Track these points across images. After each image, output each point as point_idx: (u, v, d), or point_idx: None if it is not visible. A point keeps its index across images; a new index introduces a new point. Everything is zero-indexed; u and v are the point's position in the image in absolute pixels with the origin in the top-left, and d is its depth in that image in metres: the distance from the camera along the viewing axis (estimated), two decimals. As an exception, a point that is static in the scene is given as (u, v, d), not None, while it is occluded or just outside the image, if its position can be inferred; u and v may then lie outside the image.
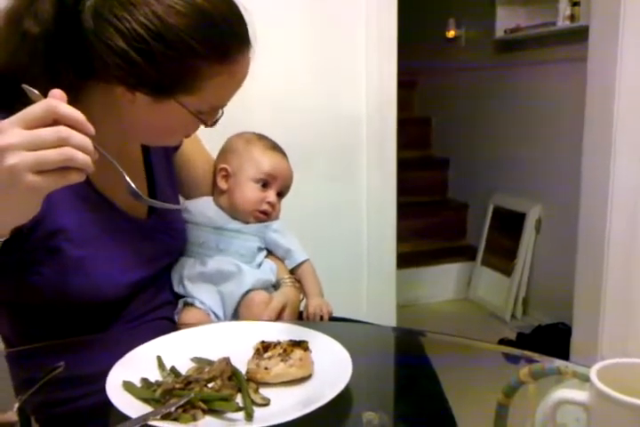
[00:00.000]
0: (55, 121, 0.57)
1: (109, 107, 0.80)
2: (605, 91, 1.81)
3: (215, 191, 1.06)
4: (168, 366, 0.71)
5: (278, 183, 1.04)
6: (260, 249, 1.03)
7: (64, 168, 0.57)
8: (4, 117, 0.58)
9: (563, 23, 2.47)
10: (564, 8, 2.46)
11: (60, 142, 0.56)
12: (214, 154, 1.10)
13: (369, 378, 0.75)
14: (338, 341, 0.75)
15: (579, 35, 2.16)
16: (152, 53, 0.71)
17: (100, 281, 0.83)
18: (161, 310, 0.94)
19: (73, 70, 0.75)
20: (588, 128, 1.91)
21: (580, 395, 0.49)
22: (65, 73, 0.74)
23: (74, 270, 0.81)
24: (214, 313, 0.95)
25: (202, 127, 1.00)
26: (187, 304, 0.96)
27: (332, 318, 1.00)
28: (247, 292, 0.95)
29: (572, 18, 2.44)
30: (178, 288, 0.97)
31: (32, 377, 0.67)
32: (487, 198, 3.07)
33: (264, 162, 1.03)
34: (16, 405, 0.62)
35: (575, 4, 2.43)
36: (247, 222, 1.02)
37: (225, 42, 0.75)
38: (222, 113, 0.83)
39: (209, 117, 0.81)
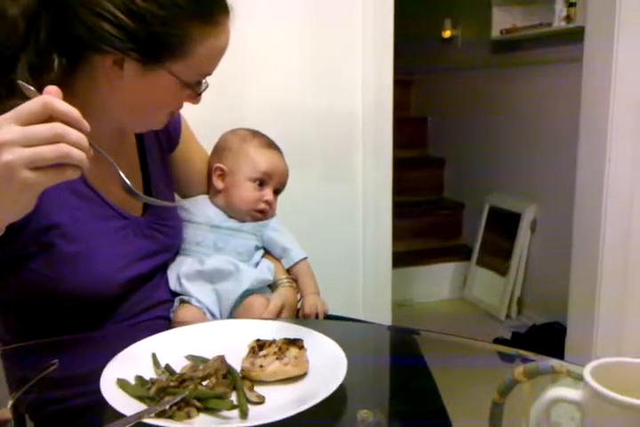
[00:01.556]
0: (50, 117, 0.57)
1: (98, 94, 0.80)
2: (601, 92, 1.81)
3: (211, 190, 1.06)
4: (163, 364, 0.71)
5: (275, 181, 1.03)
6: (257, 248, 1.02)
7: (59, 165, 0.57)
8: None
9: (559, 24, 2.48)
10: (560, 9, 2.47)
11: (56, 139, 0.56)
12: (210, 152, 1.10)
13: (364, 376, 0.75)
14: (333, 339, 0.75)
15: (574, 35, 2.16)
16: (142, 15, 0.72)
17: (94, 278, 0.83)
18: (156, 309, 0.94)
19: (60, 51, 0.75)
20: (584, 129, 1.91)
21: (574, 393, 0.49)
22: (50, 58, 0.74)
23: (67, 267, 0.81)
24: (210, 312, 0.95)
25: (200, 126, 1.00)
26: (183, 302, 0.95)
27: (328, 317, 1.00)
28: (245, 292, 0.95)
29: (568, 19, 2.45)
30: (174, 286, 0.97)
31: (26, 375, 0.67)
32: (483, 198, 3.07)
33: (260, 161, 1.02)
34: (10, 402, 0.62)
35: (571, 5, 2.44)
36: (243, 221, 1.02)
37: (210, 2, 0.76)
38: (207, 85, 0.83)
39: (196, 88, 0.81)
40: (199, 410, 0.61)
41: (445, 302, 3.07)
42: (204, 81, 0.82)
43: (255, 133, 1.07)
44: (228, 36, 0.80)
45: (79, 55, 0.76)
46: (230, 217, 1.02)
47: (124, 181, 0.68)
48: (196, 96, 0.82)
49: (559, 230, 2.47)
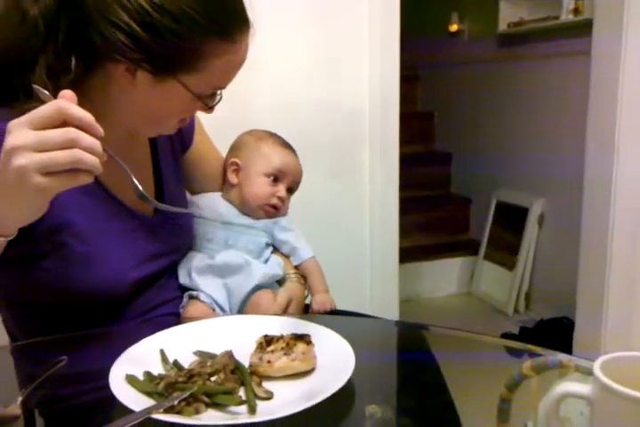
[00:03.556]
0: (64, 122, 0.57)
1: (110, 98, 0.79)
2: (609, 85, 1.80)
3: (225, 186, 1.07)
4: (171, 360, 0.71)
5: (288, 179, 1.04)
6: (267, 245, 1.03)
7: (72, 170, 0.57)
8: (4, 113, 0.58)
9: (566, 17, 2.46)
10: (568, 2, 2.45)
11: (69, 144, 0.56)
12: (221, 151, 1.10)
13: (372, 372, 0.75)
14: (341, 334, 0.75)
15: (583, 29, 2.14)
16: (156, 28, 0.71)
17: (105, 277, 0.83)
18: (166, 306, 0.94)
19: (76, 54, 0.74)
20: (592, 122, 1.90)
21: (583, 388, 0.49)
22: (68, 60, 0.74)
23: (78, 266, 0.81)
24: (220, 306, 0.95)
25: (206, 121, 1.00)
26: (191, 298, 0.96)
27: (335, 312, 1.00)
28: (255, 287, 0.96)
29: (576, 11, 2.42)
30: (184, 280, 0.97)
31: (35, 371, 0.68)
32: (490, 193, 3.06)
33: (275, 157, 1.03)
34: (19, 398, 0.63)
35: (579, -3, 2.42)
36: (257, 217, 1.03)
37: (227, 18, 0.75)
38: (221, 97, 0.82)
39: (208, 100, 0.81)
40: (207, 406, 0.62)
41: (453, 297, 3.07)
42: (218, 92, 0.81)
43: (271, 134, 1.08)
44: (245, 52, 0.79)
45: (94, 60, 0.76)
46: (242, 214, 1.03)
47: (136, 186, 0.68)
48: (208, 108, 0.82)
49: (567, 225, 2.46)
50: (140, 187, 0.68)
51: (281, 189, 1.03)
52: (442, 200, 3.42)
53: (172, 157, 1.00)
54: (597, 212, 1.89)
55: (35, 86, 0.61)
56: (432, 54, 3.44)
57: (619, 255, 1.85)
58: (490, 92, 3.02)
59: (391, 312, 1.87)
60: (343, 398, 0.62)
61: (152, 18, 0.70)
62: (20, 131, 0.56)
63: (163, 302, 0.94)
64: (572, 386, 0.50)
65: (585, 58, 1.95)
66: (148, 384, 0.65)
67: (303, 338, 0.71)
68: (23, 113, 0.57)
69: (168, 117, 0.83)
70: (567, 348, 2.04)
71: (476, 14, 3.15)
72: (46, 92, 0.60)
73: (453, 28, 3.28)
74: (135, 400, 0.61)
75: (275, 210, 1.03)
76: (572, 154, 2.24)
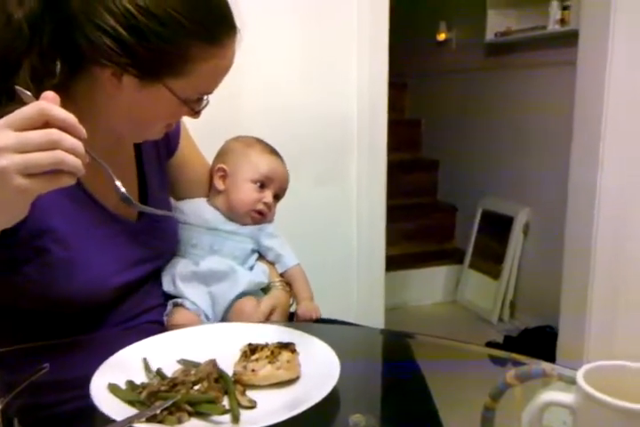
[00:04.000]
0: (47, 123, 0.56)
1: (96, 102, 0.79)
2: (594, 95, 1.82)
3: (211, 192, 1.07)
4: (154, 368, 0.70)
5: (275, 185, 1.04)
6: (253, 251, 1.03)
7: (54, 171, 0.56)
8: None
9: (553, 27, 2.49)
10: (555, 12, 2.48)
11: (51, 145, 0.56)
12: (207, 156, 1.10)
13: (356, 380, 0.75)
14: (326, 342, 0.74)
15: (569, 38, 2.17)
16: (142, 31, 0.71)
17: (87, 284, 0.82)
18: (150, 314, 0.93)
19: (61, 58, 0.74)
20: (577, 133, 1.92)
21: (566, 397, 0.49)
22: (52, 64, 0.73)
23: (60, 272, 0.80)
24: (205, 314, 0.95)
25: (192, 126, 1.00)
26: (176, 305, 0.95)
27: (321, 320, 1.00)
28: (239, 295, 0.95)
29: (563, 22, 2.46)
30: (168, 288, 0.97)
31: (16, 379, 0.67)
32: (476, 201, 3.08)
33: (262, 163, 1.04)
34: (-2, 407, 0.61)
35: (565, 9, 2.45)
36: (243, 224, 1.03)
37: (214, 22, 0.75)
38: (207, 102, 0.82)
39: (195, 105, 0.80)
40: (190, 415, 0.61)
41: (438, 305, 3.08)
42: (205, 97, 0.81)
43: (259, 140, 1.09)
44: (232, 57, 0.79)
45: (80, 64, 0.76)
46: (228, 220, 1.03)
47: (119, 189, 0.67)
48: (194, 113, 0.82)
49: (552, 234, 2.47)
50: (123, 189, 0.67)
51: (267, 196, 1.03)
52: (428, 208, 3.43)
53: (156, 161, 1.00)
54: (581, 221, 1.91)
55: (17, 88, 0.60)
56: (420, 63, 3.47)
57: (602, 265, 1.87)
58: (477, 101, 3.05)
59: (377, 320, 1.87)
60: (327, 407, 0.62)
61: (138, 21, 0.70)
62: (1, 132, 0.55)
63: (146, 310, 0.93)
64: (556, 395, 0.50)
65: (571, 68, 1.97)
66: (130, 393, 0.64)
67: (288, 346, 0.71)
68: (4, 115, 0.57)
69: (154, 122, 0.83)
70: (551, 357, 2.05)
71: (464, 23, 3.19)
72: (28, 93, 0.59)
73: (441, 36, 3.32)
74: (117, 409, 0.60)
75: (261, 216, 1.03)
76: (558, 163, 2.27)
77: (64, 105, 0.58)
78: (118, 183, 0.67)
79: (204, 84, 0.79)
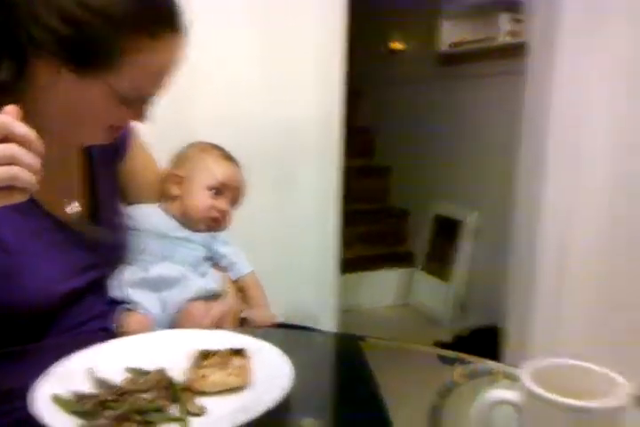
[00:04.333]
0: (5, 137, 0.55)
1: (38, 102, 0.77)
2: (541, 107, 1.87)
3: (165, 198, 1.04)
4: (101, 378, 0.68)
5: (231, 192, 1.03)
6: (205, 259, 1.02)
7: (7, 187, 0.55)
8: None
9: (503, 39, 2.57)
10: (505, 24, 2.56)
11: (8, 160, 0.54)
12: (159, 160, 1.08)
13: (308, 385, 0.75)
14: (278, 347, 0.74)
15: (519, 50, 2.24)
16: (74, 21, 0.70)
17: (32, 290, 0.80)
18: (96, 321, 0.91)
19: (9, 54, 0.73)
20: (525, 140, 1.97)
21: (511, 395, 0.51)
22: (1, 61, 0.72)
23: (3, 279, 0.78)
24: (155, 320, 0.93)
25: (146, 131, 0.98)
26: (127, 310, 0.93)
27: (274, 325, 0.99)
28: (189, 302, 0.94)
29: (514, 34, 2.53)
30: (117, 294, 0.94)
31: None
32: (427, 206, 3.14)
33: (217, 170, 1.02)
34: None
35: (517, 21, 2.53)
36: (197, 230, 1.01)
37: (152, 13, 0.75)
38: (151, 105, 0.81)
39: (135, 106, 0.80)
40: (139, 424, 0.59)
41: (391, 307, 3.11)
42: (148, 99, 0.80)
43: (215, 146, 1.07)
44: (170, 55, 0.78)
45: (25, 59, 0.74)
46: (182, 226, 1.01)
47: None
48: (136, 113, 0.81)
49: (500, 237, 2.54)
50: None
51: (222, 203, 1.02)
52: (381, 213, 3.47)
53: (106, 166, 0.98)
54: (527, 224, 1.96)
55: None
56: (373, 71, 3.51)
57: (547, 268, 1.93)
58: (429, 109, 3.11)
59: (330, 323, 1.88)
60: (279, 413, 0.62)
61: (70, 12, 0.70)
62: None
63: (93, 317, 0.90)
64: (501, 393, 0.51)
65: (519, 78, 2.03)
66: (74, 404, 0.62)
67: (240, 352, 0.70)
68: None
69: (94, 122, 0.81)
70: (500, 355, 2.10)
71: (418, 33, 3.25)
72: None
73: (395, 46, 3.37)
74: (62, 421, 0.58)
75: (216, 223, 1.02)
76: (505, 170, 2.33)
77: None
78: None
79: (139, 80, 0.78)
